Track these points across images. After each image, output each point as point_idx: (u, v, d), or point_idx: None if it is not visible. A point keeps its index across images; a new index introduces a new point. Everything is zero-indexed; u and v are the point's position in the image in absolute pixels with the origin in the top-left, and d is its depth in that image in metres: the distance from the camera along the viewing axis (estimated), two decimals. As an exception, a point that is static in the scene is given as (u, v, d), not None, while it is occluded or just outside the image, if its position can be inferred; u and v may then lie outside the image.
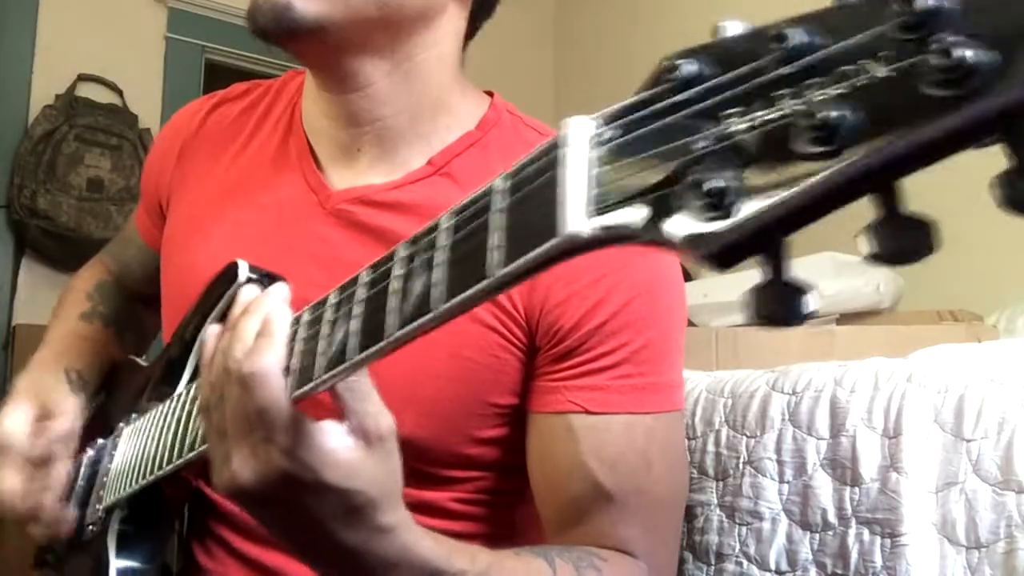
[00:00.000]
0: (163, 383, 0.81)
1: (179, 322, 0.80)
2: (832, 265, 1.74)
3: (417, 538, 0.56)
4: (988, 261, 2.07)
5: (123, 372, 0.98)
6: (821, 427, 0.96)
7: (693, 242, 0.30)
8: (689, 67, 0.32)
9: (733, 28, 0.32)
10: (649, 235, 0.32)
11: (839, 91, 0.27)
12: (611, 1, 3.60)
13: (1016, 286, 1.97)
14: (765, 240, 0.29)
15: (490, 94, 0.88)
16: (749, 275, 0.28)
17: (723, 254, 0.30)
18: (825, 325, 1.70)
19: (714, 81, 0.31)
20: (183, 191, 0.93)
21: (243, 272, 0.68)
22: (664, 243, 0.32)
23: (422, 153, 0.82)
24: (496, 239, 0.38)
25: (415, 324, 0.42)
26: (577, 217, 0.34)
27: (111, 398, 0.95)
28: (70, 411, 0.87)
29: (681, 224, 0.31)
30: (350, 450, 0.52)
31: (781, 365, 1.07)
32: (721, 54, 0.32)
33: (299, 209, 0.83)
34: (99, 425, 0.90)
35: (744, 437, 1.02)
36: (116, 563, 0.78)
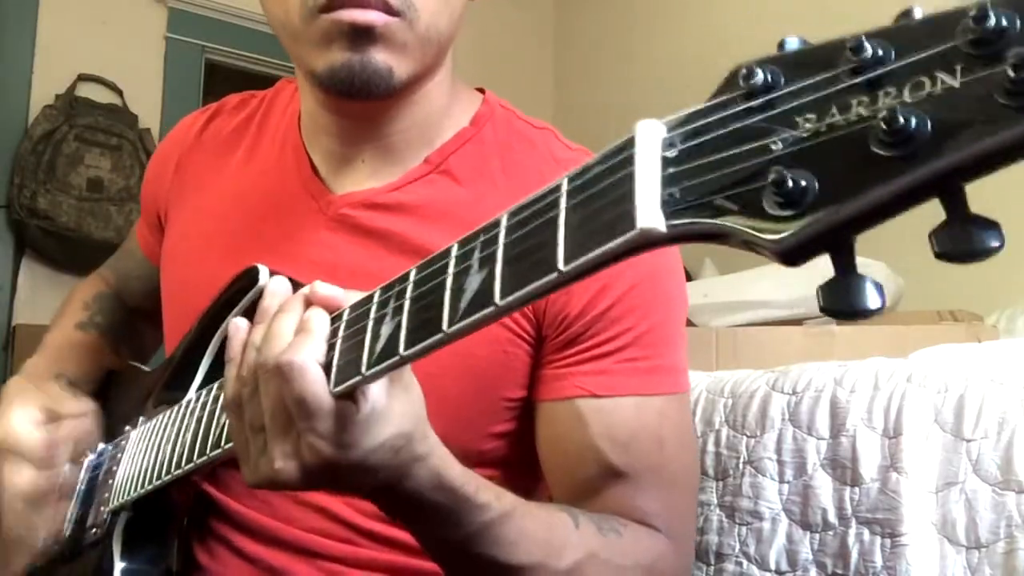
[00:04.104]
0: (171, 388, 0.80)
1: (186, 330, 0.80)
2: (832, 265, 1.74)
3: (448, 464, 0.58)
4: (988, 261, 2.06)
5: (124, 378, 0.97)
6: (821, 427, 0.95)
7: (767, 240, 0.31)
8: (764, 74, 0.33)
9: (793, 44, 0.33)
10: (723, 233, 0.33)
11: (914, 98, 0.29)
12: (611, 1, 3.60)
13: (1016, 286, 1.97)
14: (838, 238, 0.31)
15: (481, 91, 0.88)
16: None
17: (796, 251, 0.31)
18: (825, 325, 1.70)
19: (790, 87, 0.32)
20: (181, 204, 0.93)
21: (264, 275, 0.68)
22: (737, 240, 0.33)
23: (420, 153, 0.82)
24: (563, 234, 0.38)
25: (475, 318, 0.43)
26: (652, 213, 0.35)
27: (112, 404, 0.94)
28: (82, 412, 0.87)
29: (755, 222, 0.32)
30: (378, 407, 0.52)
31: (781, 365, 1.07)
32: (796, 63, 0.33)
33: (300, 217, 0.83)
34: (100, 430, 0.90)
35: (744, 437, 1.02)
36: (120, 565, 0.77)
